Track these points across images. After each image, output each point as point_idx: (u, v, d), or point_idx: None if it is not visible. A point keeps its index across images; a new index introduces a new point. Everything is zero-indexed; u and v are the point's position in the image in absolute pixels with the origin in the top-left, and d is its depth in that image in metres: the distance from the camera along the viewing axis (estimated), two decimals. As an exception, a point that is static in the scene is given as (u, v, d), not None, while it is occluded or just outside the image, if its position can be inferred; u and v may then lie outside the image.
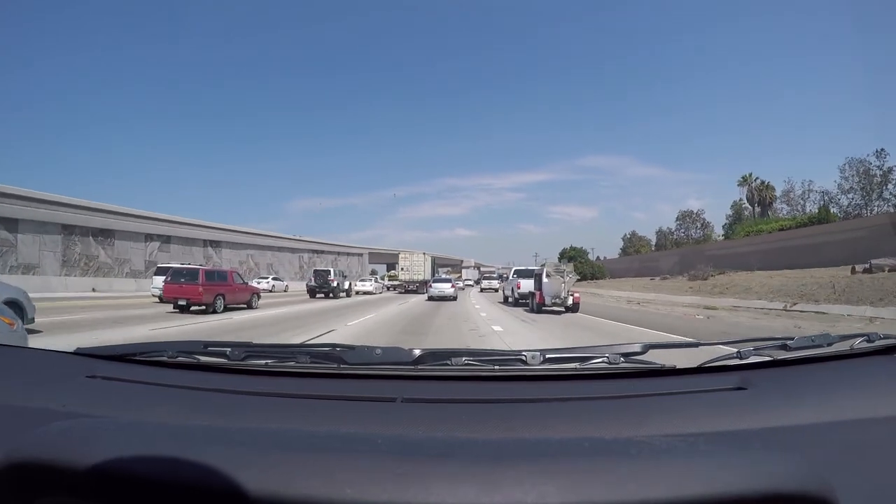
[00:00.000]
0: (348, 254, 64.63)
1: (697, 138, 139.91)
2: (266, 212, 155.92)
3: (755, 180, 46.55)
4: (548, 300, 13.55)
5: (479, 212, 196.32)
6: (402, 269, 37.23)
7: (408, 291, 33.36)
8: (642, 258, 51.13)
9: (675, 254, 43.24)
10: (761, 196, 45.76)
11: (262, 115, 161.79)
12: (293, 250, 51.04)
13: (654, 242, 60.65)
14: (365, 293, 30.96)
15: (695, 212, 57.70)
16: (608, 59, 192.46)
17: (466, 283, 53.09)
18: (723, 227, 50.33)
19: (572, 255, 48.35)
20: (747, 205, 48.52)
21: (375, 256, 77.94)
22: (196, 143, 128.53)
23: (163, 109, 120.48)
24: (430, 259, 40.81)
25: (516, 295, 17.30)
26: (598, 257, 64.58)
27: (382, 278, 63.05)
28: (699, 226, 57.59)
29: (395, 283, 39.09)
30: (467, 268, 79.95)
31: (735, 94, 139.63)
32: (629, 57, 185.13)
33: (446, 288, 22.58)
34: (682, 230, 57.29)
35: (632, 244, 62.87)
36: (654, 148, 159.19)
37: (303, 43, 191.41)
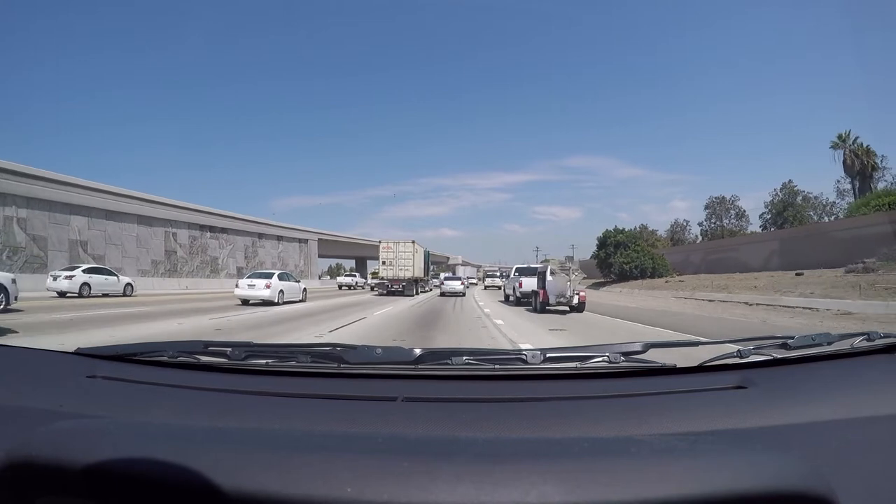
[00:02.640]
0: (280, 237, 41.27)
1: (682, 140, 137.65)
2: (249, 210, 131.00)
3: (853, 141, 33.29)
4: (552, 299, 13.11)
5: (465, 212, 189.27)
6: (382, 262, 26.76)
7: (391, 293, 24.68)
8: (704, 248, 36.93)
9: (772, 238, 28.95)
10: (862, 163, 32.45)
11: (248, 116, 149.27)
12: (149, 220, 28.89)
13: (666, 236, 51.68)
14: (263, 303, 15.36)
15: (728, 198, 45.61)
16: (595, 61, 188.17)
17: (471, 281, 48.44)
18: (760, 216, 42.83)
19: (619, 242, 32.36)
20: (799, 189, 39.72)
21: (338, 246, 55.50)
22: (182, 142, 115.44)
23: (158, 107, 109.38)
24: (422, 251, 29.44)
25: (518, 294, 16.64)
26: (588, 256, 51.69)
27: (372, 275, 45.62)
28: (733, 215, 45.32)
29: (376, 280, 29.57)
30: (455, 265, 72.18)
31: (720, 96, 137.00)
32: (615, 59, 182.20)
33: (457, 285, 25.37)
34: (714, 220, 47.66)
35: (642, 238, 51.29)
36: (637, 149, 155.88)
37: (292, 45, 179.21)
